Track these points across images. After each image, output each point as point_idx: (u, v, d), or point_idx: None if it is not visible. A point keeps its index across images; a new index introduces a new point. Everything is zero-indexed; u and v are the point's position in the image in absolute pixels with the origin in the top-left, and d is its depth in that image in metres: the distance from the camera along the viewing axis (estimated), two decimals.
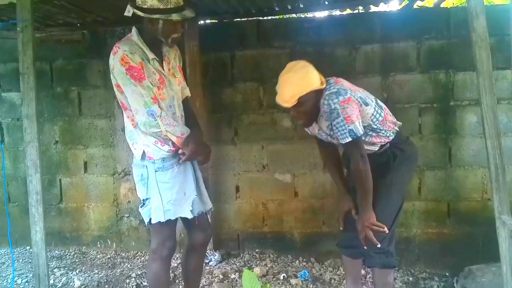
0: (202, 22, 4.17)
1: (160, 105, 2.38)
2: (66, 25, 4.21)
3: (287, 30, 4.02)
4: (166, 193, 2.44)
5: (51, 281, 3.69)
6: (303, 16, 4.45)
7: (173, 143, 2.42)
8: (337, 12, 4.31)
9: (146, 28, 2.40)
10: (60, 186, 4.46)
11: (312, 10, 4.28)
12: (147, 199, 2.51)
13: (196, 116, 2.76)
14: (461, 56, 3.76)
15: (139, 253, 4.37)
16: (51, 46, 4.30)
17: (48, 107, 4.38)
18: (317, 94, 2.41)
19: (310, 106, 2.42)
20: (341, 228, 2.77)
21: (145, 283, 3.67)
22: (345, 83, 2.46)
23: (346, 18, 4.16)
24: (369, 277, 3.53)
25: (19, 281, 3.85)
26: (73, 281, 3.80)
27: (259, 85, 4.09)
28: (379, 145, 2.57)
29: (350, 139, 2.33)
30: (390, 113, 2.62)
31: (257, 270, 3.77)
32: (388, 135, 2.55)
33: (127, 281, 3.77)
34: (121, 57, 2.30)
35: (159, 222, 2.45)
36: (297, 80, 2.37)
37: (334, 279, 3.68)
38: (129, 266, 4.11)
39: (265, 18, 4.15)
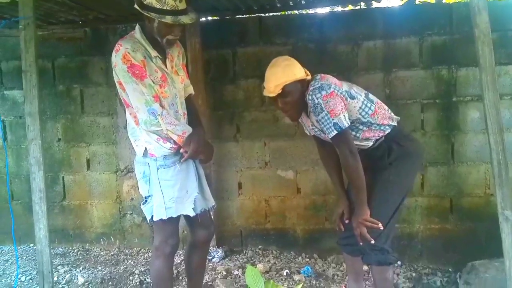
0: (203, 19, 4.16)
1: (162, 103, 2.38)
2: (68, 22, 4.21)
3: (289, 27, 4.02)
4: (168, 190, 2.44)
5: (55, 278, 3.70)
6: (305, 12, 4.43)
7: (175, 140, 2.42)
8: (339, 8, 4.30)
9: (146, 25, 2.40)
10: (63, 183, 4.47)
11: (314, 7, 4.28)
12: (149, 196, 2.52)
13: (199, 114, 2.75)
14: (463, 52, 3.75)
15: (142, 250, 4.38)
16: (53, 44, 4.30)
17: (50, 105, 4.38)
18: (303, 85, 2.46)
19: (295, 97, 2.46)
20: (341, 229, 2.77)
21: (148, 280, 3.69)
22: (330, 79, 2.49)
23: (348, 14, 4.16)
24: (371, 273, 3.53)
25: (23, 279, 3.86)
26: (77, 278, 3.81)
27: (261, 82, 3.99)
28: (373, 140, 2.55)
29: (335, 132, 2.36)
30: (386, 108, 2.61)
31: (260, 266, 3.78)
32: (382, 129, 2.54)
33: (131, 277, 3.79)
34: (123, 54, 2.30)
35: (161, 219, 2.45)
36: (281, 71, 2.44)
37: (337, 275, 3.68)
38: (132, 263, 4.12)
39: (266, 14, 4.14)
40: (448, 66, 3.83)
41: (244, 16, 4.14)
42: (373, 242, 2.45)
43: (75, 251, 4.43)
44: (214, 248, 4.07)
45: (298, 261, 3.99)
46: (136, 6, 2.33)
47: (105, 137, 4.37)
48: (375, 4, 4.04)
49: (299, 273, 3.71)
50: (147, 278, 3.72)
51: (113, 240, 4.46)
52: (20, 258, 4.19)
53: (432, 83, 3.86)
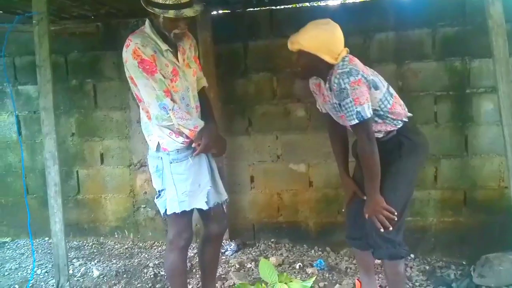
0: (214, 12, 4.16)
1: (173, 97, 2.39)
2: (80, 17, 4.24)
3: (300, 20, 3.92)
4: (181, 184, 2.46)
5: (70, 271, 3.74)
6: (316, 5, 4.40)
7: (187, 135, 2.43)
8: (350, 0, 4.27)
9: (154, 20, 2.40)
10: (77, 177, 4.52)
11: None
12: (162, 190, 2.53)
13: (212, 107, 2.74)
14: (477, 43, 3.70)
15: (156, 243, 4.41)
16: (65, 39, 4.33)
17: (63, 99, 4.41)
18: (321, 63, 2.38)
19: (308, 65, 2.42)
20: (343, 210, 2.76)
21: (162, 273, 3.72)
22: (358, 64, 2.43)
23: (359, 6, 4.12)
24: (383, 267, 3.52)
25: (38, 272, 3.92)
26: (92, 271, 3.86)
27: (272, 75, 4.09)
28: (383, 132, 2.53)
29: (357, 121, 2.32)
30: (402, 104, 2.56)
31: (273, 259, 3.79)
32: (395, 123, 2.51)
33: (145, 270, 3.82)
34: (133, 50, 2.31)
35: (175, 213, 2.47)
36: (313, 36, 2.36)
37: (350, 268, 3.68)
38: (146, 256, 4.16)
39: (277, 7, 4.12)
40: (461, 58, 3.78)
41: (255, 9, 4.13)
42: (391, 228, 2.41)
43: (90, 244, 4.48)
44: (227, 241, 4.09)
45: (310, 254, 4.00)
46: (142, 2, 2.34)
47: (118, 131, 4.40)
48: None
49: (312, 266, 3.72)
50: (161, 271, 3.76)
51: (127, 233, 4.50)
52: (35, 252, 4.24)
53: (445, 74, 3.82)
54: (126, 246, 4.41)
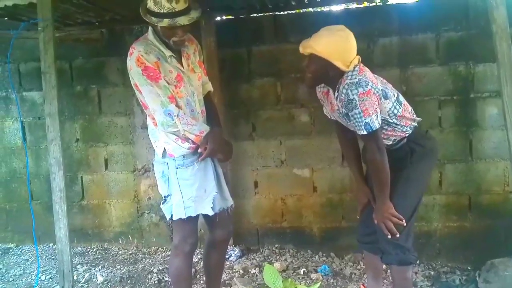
0: (218, 18, 4.18)
1: (178, 103, 2.39)
2: (85, 24, 4.25)
3: (304, 25, 3.99)
4: (187, 190, 2.46)
5: (75, 277, 3.74)
6: (319, 10, 4.42)
7: (193, 140, 2.43)
8: (354, 5, 4.28)
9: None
10: (82, 183, 4.52)
11: (329, 4, 4.26)
12: (168, 195, 2.54)
13: (217, 112, 2.74)
14: (481, 47, 3.70)
15: (160, 248, 4.41)
16: (70, 45, 4.34)
17: (68, 105, 4.43)
18: (332, 69, 2.34)
19: (317, 71, 2.39)
20: (358, 217, 2.75)
21: (166, 279, 3.72)
22: (368, 74, 2.40)
23: (363, 11, 4.13)
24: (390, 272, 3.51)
25: (43, 278, 3.92)
26: (96, 277, 3.86)
27: (276, 80, 4.09)
28: (393, 140, 2.53)
29: (365, 132, 2.31)
30: (410, 110, 2.55)
31: (277, 265, 3.78)
32: (404, 130, 2.51)
33: (149, 276, 3.82)
34: (137, 57, 2.32)
35: (181, 218, 2.47)
36: (327, 41, 2.34)
37: (355, 274, 3.67)
38: (150, 261, 4.15)
39: (281, 13, 4.13)
40: (466, 62, 3.78)
41: (259, 14, 4.15)
42: (398, 235, 2.41)
43: (94, 250, 4.48)
44: (231, 247, 4.08)
45: (315, 260, 3.99)
46: (140, 11, 2.34)
47: (122, 137, 4.41)
48: (390, 0, 4.01)
49: (316, 271, 3.71)
50: (165, 276, 3.75)
51: (131, 239, 4.50)
52: (40, 258, 4.24)
53: (449, 79, 3.82)
54: (130, 252, 4.40)
